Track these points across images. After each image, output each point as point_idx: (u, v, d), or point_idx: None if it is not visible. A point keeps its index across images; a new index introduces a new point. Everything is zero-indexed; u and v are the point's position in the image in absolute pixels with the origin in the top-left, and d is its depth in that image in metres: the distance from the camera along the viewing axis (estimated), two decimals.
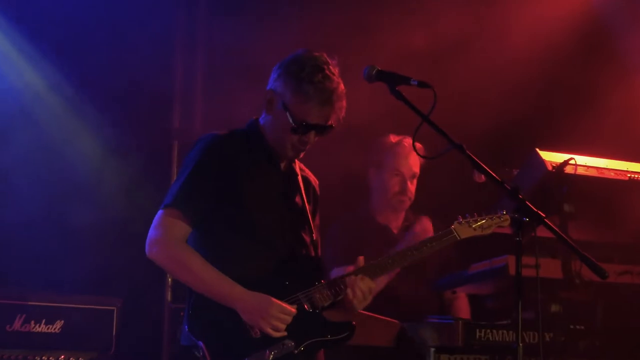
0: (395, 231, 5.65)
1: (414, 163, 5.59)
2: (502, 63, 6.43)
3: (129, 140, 6.21)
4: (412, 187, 5.61)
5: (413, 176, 5.61)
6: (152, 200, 3.84)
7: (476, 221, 4.11)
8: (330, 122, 3.82)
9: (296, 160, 4.01)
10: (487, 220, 4.13)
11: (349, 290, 3.81)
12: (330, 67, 3.82)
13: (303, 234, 3.95)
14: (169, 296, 6.36)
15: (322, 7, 6.47)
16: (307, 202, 4.00)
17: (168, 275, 6.22)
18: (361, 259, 3.92)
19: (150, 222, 3.78)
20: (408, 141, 5.57)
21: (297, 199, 3.98)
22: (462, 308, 5.66)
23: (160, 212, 3.77)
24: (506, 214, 4.13)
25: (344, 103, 3.83)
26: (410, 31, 6.40)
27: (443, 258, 5.40)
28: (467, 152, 3.50)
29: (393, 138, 5.65)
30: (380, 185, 5.65)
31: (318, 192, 4.15)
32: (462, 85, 6.39)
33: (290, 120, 3.78)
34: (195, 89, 6.72)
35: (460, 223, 4.09)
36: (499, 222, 4.15)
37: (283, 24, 6.37)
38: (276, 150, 3.91)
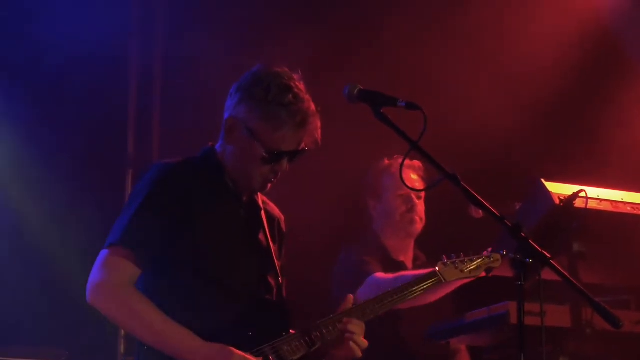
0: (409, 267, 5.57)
1: (417, 181, 5.54)
2: (504, 83, 6.45)
3: (75, 168, 6.16)
4: (421, 206, 5.56)
5: (418, 195, 5.55)
6: (102, 237, 3.80)
7: (463, 262, 4.11)
8: (303, 146, 3.80)
9: (258, 193, 3.97)
10: (475, 260, 4.13)
11: (347, 334, 3.74)
12: (297, 83, 3.79)
13: (268, 278, 3.89)
14: (122, 348, 6.30)
15: (293, 27, 6.51)
16: (272, 240, 3.95)
17: None
18: (350, 297, 3.87)
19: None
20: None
21: (261, 237, 3.93)
22: None
23: (103, 251, 3.68)
24: (497, 253, 4.13)
25: (319, 123, 3.81)
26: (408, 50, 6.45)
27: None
28: (462, 183, 3.45)
29: (387, 160, 5.63)
30: (384, 212, 5.59)
31: (284, 228, 4.10)
32: (459, 108, 6.40)
33: (262, 150, 3.76)
34: (152, 110, 6.71)
35: (445, 264, 4.08)
36: (488, 263, 4.16)
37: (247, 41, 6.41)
38: (238, 181, 3.86)
